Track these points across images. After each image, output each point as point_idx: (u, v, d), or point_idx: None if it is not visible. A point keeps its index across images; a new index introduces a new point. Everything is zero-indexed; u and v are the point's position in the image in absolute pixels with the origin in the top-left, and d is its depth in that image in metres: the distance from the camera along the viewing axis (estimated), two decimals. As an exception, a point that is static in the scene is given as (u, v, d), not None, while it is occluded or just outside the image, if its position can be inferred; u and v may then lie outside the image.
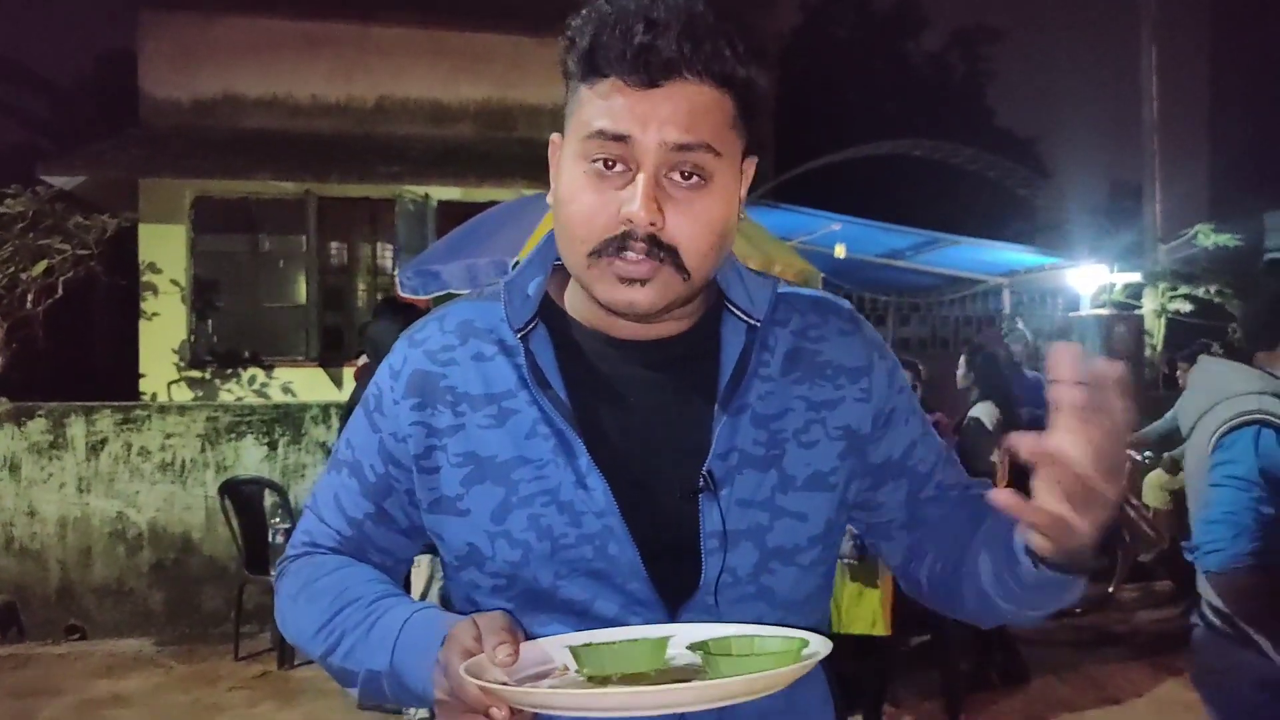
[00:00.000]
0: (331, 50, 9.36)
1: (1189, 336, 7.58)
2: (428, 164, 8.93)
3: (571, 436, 0.93)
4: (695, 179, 0.90)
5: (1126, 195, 13.53)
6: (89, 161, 8.64)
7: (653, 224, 0.88)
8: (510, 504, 0.94)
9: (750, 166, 0.98)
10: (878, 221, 9.54)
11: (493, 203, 6.06)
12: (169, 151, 8.61)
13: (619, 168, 0.89)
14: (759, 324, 0.99)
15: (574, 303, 1.01)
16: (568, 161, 0.93)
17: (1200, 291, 8.32)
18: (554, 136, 0.98)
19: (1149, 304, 8.74)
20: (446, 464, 0.96)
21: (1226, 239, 8.68)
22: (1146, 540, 5.91)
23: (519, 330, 0.97)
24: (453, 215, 7.75)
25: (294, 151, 8.84)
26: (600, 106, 0.89)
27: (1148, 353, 8.38)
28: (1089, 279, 9.08)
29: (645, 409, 0.97)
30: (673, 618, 0.92)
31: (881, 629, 3.80)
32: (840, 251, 9.06)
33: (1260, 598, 1.87)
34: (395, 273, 6.58)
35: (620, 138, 0.88)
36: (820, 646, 0.81)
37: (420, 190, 8.92)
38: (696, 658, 0.83)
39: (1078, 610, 5.99)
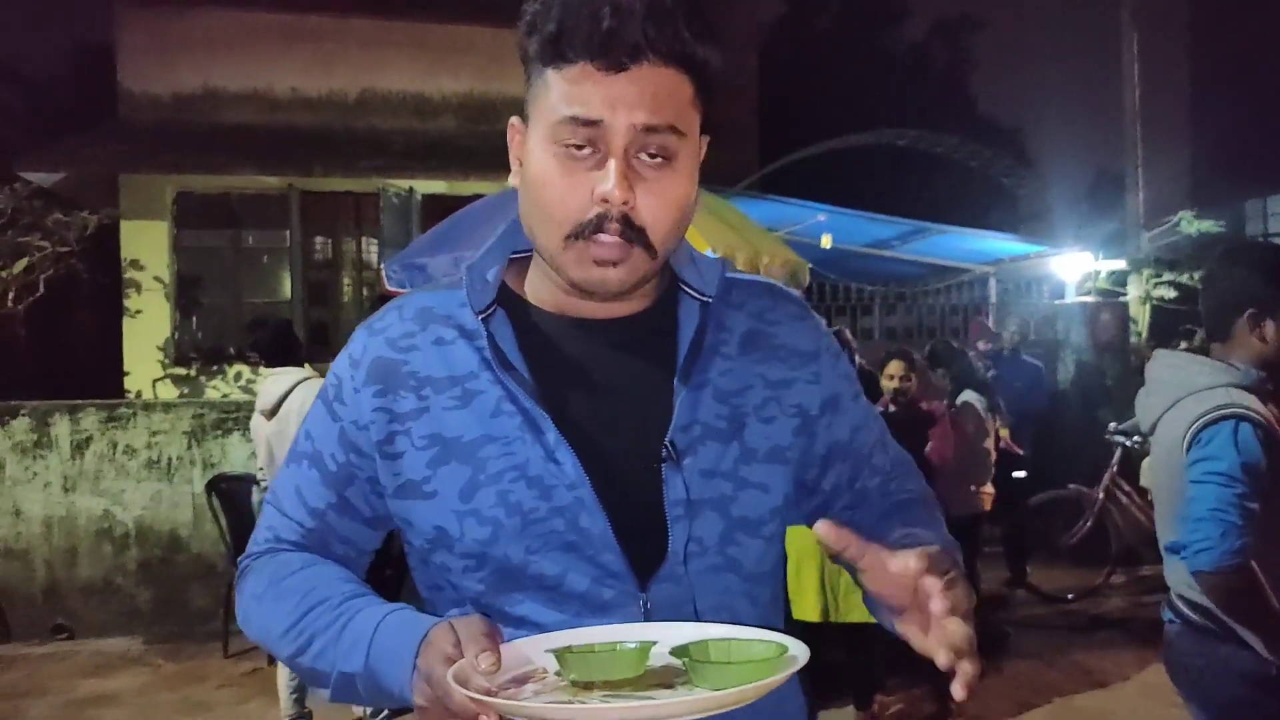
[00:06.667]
0: (311, 43, 9.29)
1: (1173, 323, 7.62)
2: (411, 157, 8.89)
3: (538, 413, 0.95)
4: (661, 159, 0.92)
5: (1109, 183, 13.59)
6: (68, 157, 8.56)
7: (626, 203, 0.90)
8: (478, 482, 0.95)
9: (703, 145, 1.01)
10: (863, 212, 9.55)
11: (477, 196, 6.03)
12: (149, 147, 8.53)
13: (588, 150, 0.91)
14: (710, 300, 1.03)
15: (534, 288, 1.04)
16: (537, 146, 0.94)
17: (1184, 278, 8.36)
18: (514, 121, 1.00)
19: (1133, 291, 8.78)
20: (410, 448, 0.97)
21: (1209, 226, 8.73)
22: (1140, 526, 5.96)
23: (480, 313, 0.99)
24: (437, 209, 7.72)
25: (276, 146, 8.78)
26: (569, 92, 0.91)
27: (1133, 339, 8.42)
28: (1074, 267, 9.11)
29: (608, 385, 1.00)
30: (643, 588, 0.94)
31: (876, 616, 3.81)
32: (826, 242, 9.07)
33: (1250, 595, 1.86)
34: (380, 267, 6.55)
35: (592, 123, 0.90)
36: (799, 652, 0.82)
37: (404, 184, 8.87)
38: (670, 659, 0.84)
39: (1069, 596, 6.03)
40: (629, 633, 0.88)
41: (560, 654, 0.81)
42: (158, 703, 4.64)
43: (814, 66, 18.41)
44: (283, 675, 4.04)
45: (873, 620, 3.67)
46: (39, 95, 15.22)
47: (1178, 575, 2.08)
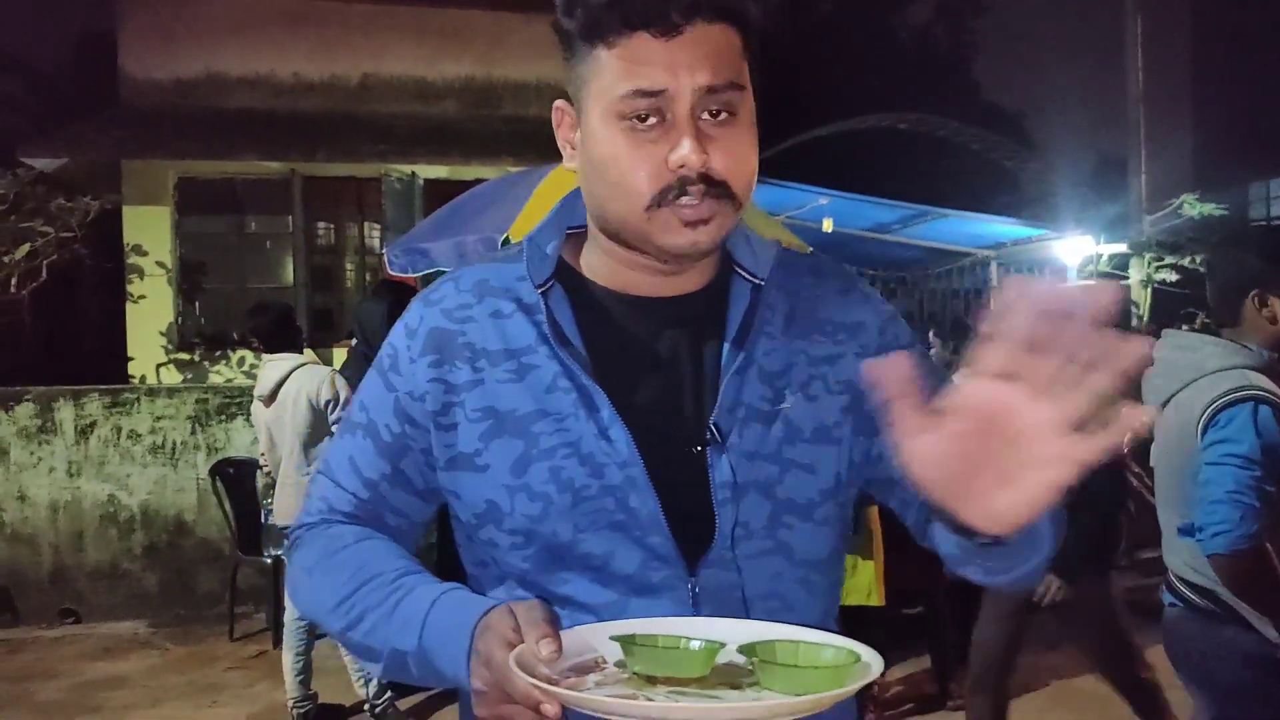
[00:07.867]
0: (314, 28, 9.27)
1: (1175, 306, 7.62)
2: (413, 142, 8.87)
3: (594, 389, 0.94)
4: (724, 115, 0.92)
5: (1112, 167, 13.55)
6: (70, 143, 8.55)
7: (703, 166, 0.90)
8: (530, 457, 0.94)
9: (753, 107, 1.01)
10: (865, 196, 9.53)
11: (479, 180, 6.04)
12: (151, 132, 8.53)
13: (652, 119, 0.90)
14: (763, 283, 1.01)
15: (591, 264, 1.03)
16: (598, 125, 0.93)
17: (1185, 261, 8.36)
18: (559, 104, 0.99)
19: (1135, 274, 8.78)
20: (464, 420, 0.97)
21: (1211, 209, 8.71)
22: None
23: (539, 287, 0.98)
24: (439, 194, 7.71)
25: (278, 131, 8.77)
26: (627, 65, 0.90)
27: (1134, 323, 8.42)
28: (1075, 250, 9.11)
29: (660, 365, 0.99)
30: (692, 571, 0.93)
31: (876, 600, 3.83)
32: (827, 226, 9.06)
33: (1264, 578, 1.84)
34: (383, 252, 6.57)
35: (655, 93, 0.89)
36: (873, 660, 0.78)
37: (406, 169, 8.87)
38: (733, 657, 0.82)
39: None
40: (688, 626, 0.85)
41: (626, 645, 0.79)
42: (166, 685, 4.68)
43: (816, 49, 18.33)
44: (288, 658, 4.07)
45: (871, 603, 3.65)
46: (41, 81, 15.19)
47: (1178, 557, 2.07)
